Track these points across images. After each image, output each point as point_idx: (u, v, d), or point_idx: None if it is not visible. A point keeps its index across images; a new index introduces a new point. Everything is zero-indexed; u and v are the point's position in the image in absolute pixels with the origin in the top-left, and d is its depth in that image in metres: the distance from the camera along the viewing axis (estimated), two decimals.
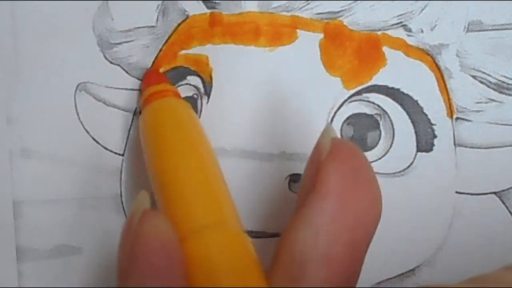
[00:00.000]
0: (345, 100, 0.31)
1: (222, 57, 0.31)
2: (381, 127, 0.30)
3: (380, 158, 0.30)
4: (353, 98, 0.30)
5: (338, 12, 0.31)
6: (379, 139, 0.30)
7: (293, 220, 0.23)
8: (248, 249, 0.24)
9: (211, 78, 0.31)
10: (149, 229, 0.22)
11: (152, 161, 0.28)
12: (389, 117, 0.30)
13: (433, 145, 0.30)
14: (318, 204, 0.22)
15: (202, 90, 0.32)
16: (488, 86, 0.30)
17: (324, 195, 0.22)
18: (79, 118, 0.33)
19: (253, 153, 0.31)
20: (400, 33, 0.31)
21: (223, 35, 0.31)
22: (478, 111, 0.30)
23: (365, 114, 0.30)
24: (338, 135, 0.26)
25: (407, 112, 0.30)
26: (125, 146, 0.33)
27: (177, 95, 0.30)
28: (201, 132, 0.29)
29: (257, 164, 0.30)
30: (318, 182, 0.23)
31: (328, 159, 0.23)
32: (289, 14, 0.31)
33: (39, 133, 0.33)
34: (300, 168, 0.30)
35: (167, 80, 0.31)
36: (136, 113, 0.32)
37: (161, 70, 0.32)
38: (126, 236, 0.23)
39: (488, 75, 0.30)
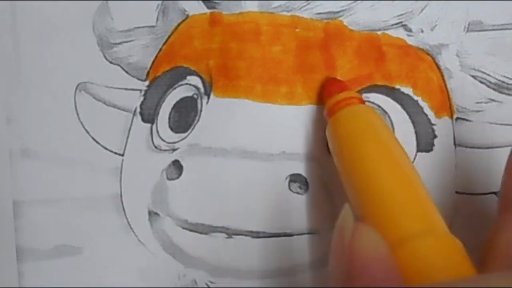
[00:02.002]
0: None
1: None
2: None
3: None
4: None
5: (338, 12, 0.31)
6: None
7: (504, 222, 0.24)
8: (460, 251, 0.24)
9: (211, 78, 0.31)
10: (363, 244, 0.22)
11: (351, 170, 0.27)
12: (389, 117, 0.30)
13: (433, 145, 0.30)
14: None
15: (202, 90, 0.32)
16: (488, 86, 0.30)
17: None
18: (79, 118, 0.33)
19: (253, 153, 0.31)
20: (400, 33, 0.31)
21: (223, 35, 0.31)
22: (478, 111, 0.30)
23: None
24: None
25: (407, 112, 0.30)
26: (125, 146, 0.33)
27: (362, 101, 0.29)
28: (395, 137, 0.28)
29: (257, 164, 0.30)
30: None
31: None
32: (289, 14, 0.31)
33: (39, 133, 0.33)
34: (300, 168, 0.30)
35: (349, 87, 0.30)
36: (136, 113, 0.32)
37: (161, 70, 0.32)
38: (340, 252, 0.23)
39: (488, 75, 0.30)
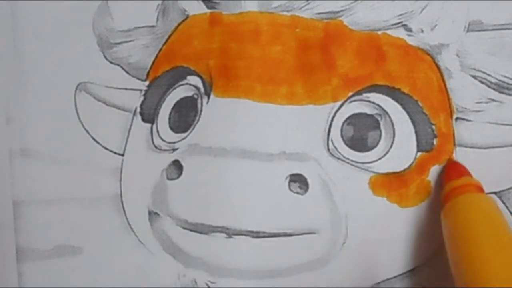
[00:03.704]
0: (346, 100, 0.30)
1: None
2: (382, 127, 0.30)
3: (380, 158, 0.30)
4: (354, 98, 0.30)
5: (338, 12, 0.31)
6: (380, 139, 0.30)
7: None
8: None
9: (211, 77, 0.31)
10: None
11: (462, 260, 0.27)
12: (389, 117, 0.30)
13: (433, 144, 0.30)
14: None
15: (202, 90, 0.32)
16: (488, 86, 0.30)
17: None
18: (79, 118, 0.33)
19: (253, 153, 0.31)
20: (400, 33, 0.31)
21: (223, 35, 0.31)
22: (478, 111, 0.30)
23: (366, 114, 0.30)
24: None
25: (407, 112, 0.30)
26: (125, 146, 0.33)
27: (481, 189, 0.29)
28: (509, 228, 0.27)
29: (257, 164, 0.30)
30: None
31: None
32: (289, 14, 0.31)
33: (39, 133, 0.33)
34: (300, 168, 0.30)
35: (469, 173, 0.30)
36: (136, 113, 0.32)
37: (161, 70, 0.32)
38: None
39: (488, 75, 0.30)
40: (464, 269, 0.26)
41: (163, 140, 0.32)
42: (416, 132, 0.30)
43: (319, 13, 0.31)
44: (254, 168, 0.30)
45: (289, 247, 0.31)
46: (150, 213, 0.32)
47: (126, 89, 0.32)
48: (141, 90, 0.32)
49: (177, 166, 0.31)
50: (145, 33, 0.32)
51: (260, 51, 0.31)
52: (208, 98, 0.31)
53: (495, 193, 0.30)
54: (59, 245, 0.33)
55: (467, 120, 0.30)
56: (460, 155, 0.30)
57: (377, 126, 0.30)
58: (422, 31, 0.31)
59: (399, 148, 0.30)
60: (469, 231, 0.27)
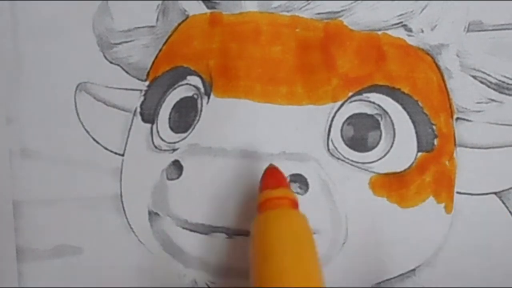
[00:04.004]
0: (346, 100, 0.30)
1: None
2: (382, 127, 0.30)
3: (380, 158, 0.30)
4: (354, 98, 0.30)
5: (338, 12, 0.31)
6: (380, 139, 0.30)
7: None
8: None
9: (211, 78, 0.31)
10: None
11: (261, 278, 0.26)
12: (389, 117, 0.30)
13: (433, 145, 0.30)
14: None
15: (202, 90, 0.32)
16: (488, 86, 0.30)
17: None
18: (79, 118, 0.33)
19: (253, 153, 0.31)
20: (400, 33, 0.31)
21: (223, 35, 0.31)
22: (478, 111, 0.30)
23: (366, 114, 0.30)
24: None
25: (408, 112, 0.30)
26: (125, 146, 0.33)
27: (296, 204, 0.28)
28: (316, 253, 0.27)
29: (257, 164, 0.30)
30: None
31: None
32: (289, 14, 0.31)
33: (39, 133, 0.33)
34: (300, 168, 0.30)
35: (287, 184, 0.29)
36: (136, 113, 0.32)
37: (161, 70, 0.32)
38: None
39: (488, 75, 0.30)
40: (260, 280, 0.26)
41: (163, 140, 0.32)
42: (416, 132, 0.30)
43: (319, 13, 0.31)
44: (254, 168, 0.30)
45: None
46: (150, 213, 0.32)
47: (126, 89, 0.32)
48: (141, 90, 0.32)
49: (177, 166, 0.31)
50: (145, 33, 0.32)
51: (260, 51, 0.31)
52: (208, 98, 0.31)
53: (495, 193, 0.30)
54: (59, 245, 0.33)
55: (467, 120, 0.30)
56: (460, 155, 0.30)
57: (377, 126, 0.30)
58: (422, 31, 0.31)
59: (400, 148, 0.30)
60: (275, 248, 0.26)
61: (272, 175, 0.28)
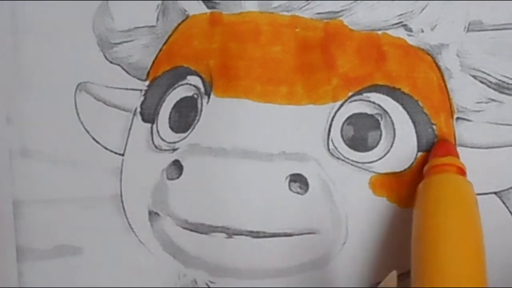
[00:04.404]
0: (346, 100, 0.30)
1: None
2: (382, 127, 0.30)
3: (380, 158, 0.30)
4: (354, 98, 0.30)
5: (338, 12, 0.31)
6: (380, 139, 0.30)
7: None
8: None
9: (211, 77, 0.31)
10: None
11: (422, 235, 0.27)
12: (389, 117, 0.30)
13: (433, 144, 0.30)
14: None
15: (202, 90, 0.32)
16: (489, 86, 0.30)
17: None
18: (79, 118, 0.33)
19: (253, 153, 0.31)
20: (400, 33, 0.31)
21: (223, 35, 0.31)
22: (478, 111, 0.30)
23: (366, 114, 0.30)
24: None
25: (408, 112, 0.30)
26: (125, 146, 0.33)
27: (463, 172, 0.29)
28: (479, 217, 0.28)
29: (257, 164, 0.30)
30: None
31: None
32: (289, 14, 0.31)
33: (39, 133, 0.33)
34: (300, 168, 0.30)
35: (456, 153, 0.30)
36: (136, 113, 0.32)
37: (161, 70, 0.32)
38: None
39: (489, 75, 0.30)
40: (421, 245, 0.27)
41: (163, 140, 0.32)
42: (416, 132, 0.30)
43: (319, 13, 0.31)
44: (254, 168, 0.30)
45: (289, 247, 0.31)
46: (150, 213, 0.32)
47: (126, 89, 0.32)
48: (141, 90, 0.32)
49: (177, 166, 0.31)
50: (145, 33, 0.32)
51: (260, 51, 0.31)
52: (208, 98, 0.31)
53: (495, 193, 0.30)
54: (59, 245, 0.33)
55: (467, 120, 0.30)
56: (460, 155, 0.30)
57: (378, 126, 0.30)
58: (422, 31, 0.31)
59: (400, 148, 0.30)
60: (438, 211, 0.27)
61: (442, 145, 0.30)
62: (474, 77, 0.30)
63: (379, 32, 0.31)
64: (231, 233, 0.31)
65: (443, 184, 0.28)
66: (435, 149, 0.30)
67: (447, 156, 0.29)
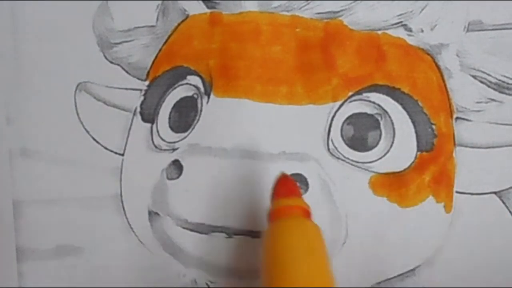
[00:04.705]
0: (346, 100, 0.30)
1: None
2: (382, 127, 0.30)
3: (380, 158, 0.30)
4: (354, 98, 0.30)
5: (338, 12, 0.31)
6: (380, 138, 0.30)
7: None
8: None
9: (211, 77, 0.31)
10: None
11: (270, 279, 0.26)
12: (389, 116, 0.30)
13: (433, 144, 0.30)
14: None
15: (202, 89, 0.32)
16: (488, 86, 0.30)
17: None
18: (79, 118, 0.33)
19: (253, 153, 0.31)
20: (400, 33, 0.31)
21: (223, 35, 0.31)
22: (478, 111, 0.30)
23: (366, 113, 0.30)
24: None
25: (407, 112, 0.30)
26: (125, 146, 0.33)
27: (308, 214, 0.27)
28: (328, 263, 0.26)
29: (257, 164, 0.30)
30: None
31: None
32: (289, 13, 0.31)
33: (39, 133, 0.33)
34: (300, 168, 0.30)
35: (299, 193, 0.28)
36: (136, 112, 0.32)
37: (161, 70, 0.32)
38: None
39: (488, 74, 0.30)
40: None
41: (163, 140, 0.32)
42: (416, 132, 0.30)
43: (319, 13, 0.31)
44: (254, 168, 0.30)
45: None
46: (150, 213, 0.32)
47: (126, 89, 0.32)
48: (141, 90, 0.32)
49: (177, 166, 0.31)
50: (145, 33, 0.32)
51: (260, 51, 0.31)
52: (208, 98, 0.31)
53: (495, 193, 0.30)
54: (59, 245, 0.33)
55: (467, 120, 0.30)
56: (460, 155, 0.30)
57: (377, 126, 0.30)
58: (422, 31, 0.31)
59: (399, 148, 0.30)
60: (286, 258, 0.25)
61: (284, 184, 0.28)
62: (474, 77, 0.30)
63: (379, 32, 0.31)
64: (231, 233, 0.31)
65: (290, 230, 0.26)
66: (278, 187, 0.28)
67: (291, 197, 0.27)
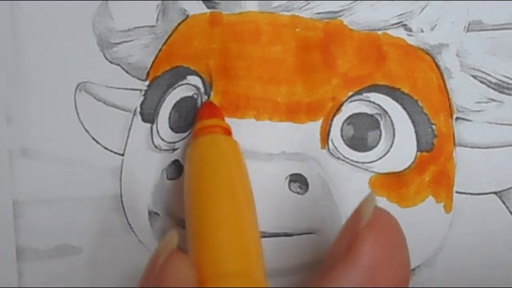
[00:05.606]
0: (346, 100, 0.30)
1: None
2: (382, 127, 0.30)
3: (380, 158, 0.30)
4: (354, 98, 0.30)
5: (338, 11, 0.31)
6: (380, 139, 0.30)
7: (320, 281, 0.23)
8: None
9: (211, 77, 0.31)
10: (172, 271, 0.23)
11: (190, 197, 0.27)
12: (389, 116, 0.30)
13: (433, 144, 0.30)
14: (348, 274, 0.22)
15: (202, 89, 0.32)
16: (488, 86, 0.30)
17: (356, 266, 0.22)
18: (79, 118, 0.33)
19: (253, 153, 0.31)
20: (400, 33, 0.31)
21: (223, 35, 0.31)
22: (478, 111, 0.30)
23: (366, 113, 0.30)
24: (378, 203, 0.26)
25: (407, 112, 0.30)
26: (125, 146, 0.33)
27: (228, 132, 0.30)
28: (245, 176, 0.28)
29: (257, 164, 0.30)
30: (352, 252, 0.23)
31: (366, 229, 0.23)
32: (289, 14, 0.31)
33: (39, 133, 0.33)
34: (300, 168, 0.30)
35: (221, 115, 0.30)
36: (136, 112, 0.32)
37: (161, 70, 0.32)
38: (150, 272, 0.24)
39: (488, 74, 0.30)
40: (191, 207, 0.27)
41: (163, 140, 0.32)
42: (416, 132, 0.30)
43: (319, 13, 0.31)
44: (254, 168, 0.30)
45: (289, 247, 0.31)
46: (150, 213, 0.32)
47: (126, 89, 0.32)
48: (141, 90, 0.32)
49: (177, 166, 0.31)
50: (145, 33, 0.32)
51: (260, 51, 0.31)
52: (208, 98, 0.31)
53: (495, 193, 0.30)
54: (59, 245, 0.33)
55: (467, 120, 0.30)
56: (460, 155, 0.30)
57: (377, 126, 0.30)
58: (422, 31, 0.31)
59: (399, 148, 0.30)
60: (203, 170, 0.27)
61: (208, 108, 0.30)
62: (474, 77, 0.30)
63: (379, 32, 0.31)
64: None
65: (209, 144, 0.28)
66: (200, 113, 0.30)
67: (212, 118, 0.29)
